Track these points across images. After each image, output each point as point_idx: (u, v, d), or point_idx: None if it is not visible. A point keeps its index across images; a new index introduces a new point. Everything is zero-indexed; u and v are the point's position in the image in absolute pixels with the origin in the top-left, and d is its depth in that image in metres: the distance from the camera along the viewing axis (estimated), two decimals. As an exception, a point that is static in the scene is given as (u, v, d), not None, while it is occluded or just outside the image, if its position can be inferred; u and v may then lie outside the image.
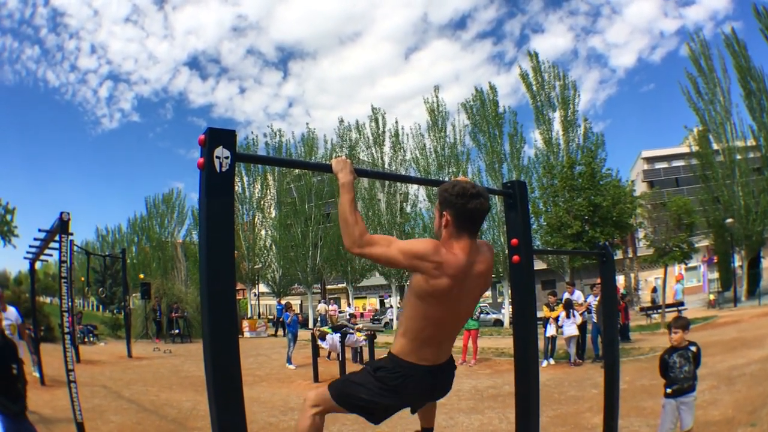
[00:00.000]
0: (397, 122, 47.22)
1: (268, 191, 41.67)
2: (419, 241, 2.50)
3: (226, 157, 2.20)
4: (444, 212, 2.56)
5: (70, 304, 7.71)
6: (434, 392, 2.79)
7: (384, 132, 37.41)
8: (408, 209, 36.43)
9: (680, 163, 45.17)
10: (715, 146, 31.44)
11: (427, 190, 33.49)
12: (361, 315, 41.13)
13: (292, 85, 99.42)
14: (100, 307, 42.98)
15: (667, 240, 24.08)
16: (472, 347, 14.42)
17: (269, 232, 41.40)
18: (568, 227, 24.51)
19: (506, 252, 3.80)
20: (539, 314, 13.46)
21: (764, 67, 29.99)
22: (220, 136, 2.20)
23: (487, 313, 34.40)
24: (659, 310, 23.76)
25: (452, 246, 2.52)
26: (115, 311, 28.57)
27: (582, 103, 46.60)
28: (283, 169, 39.27)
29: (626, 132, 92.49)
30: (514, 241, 3.43)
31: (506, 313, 32.21)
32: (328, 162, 2.76)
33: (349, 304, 35.59)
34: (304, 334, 17.82)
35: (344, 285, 39.91)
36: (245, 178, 40.96)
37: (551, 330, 13.63)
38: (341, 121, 39.23)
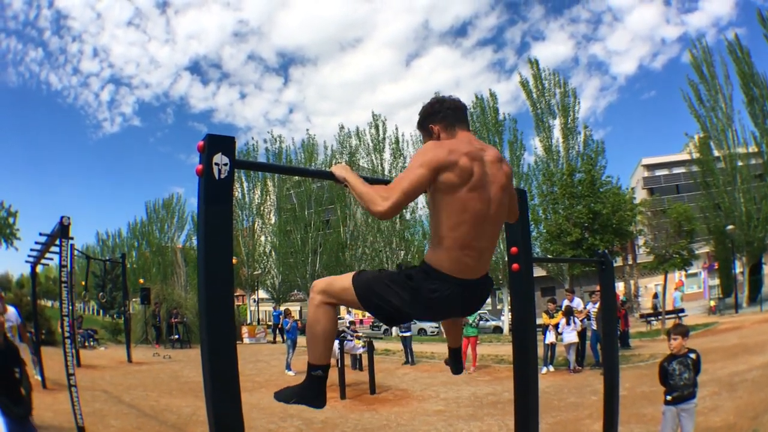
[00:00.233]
0: (397, 129, 47.50)
1: (267, 197, 41.65)
2: (421, 151, 2.46)
3: (225, 164, 2.19)
4: (431, 127, 2.60)
5: (70, 308, 7.72)
6: (466, 309, 2.63)
7: (384, 139, 37.51)
8: (407, 216, 36.45)
9: (681, 170, 45.15)
10: (716, 153, 31.41)
11: (426, 197, 33.50)
12: (361, 322, 41.04)
13: (293, 91, 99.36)
14: (100, 311, 42.83)
15: (667, 247, 24.06)
16: (471, 354, 14.41)
17: (269, 238, 41.37)
18: (568, 235, 24.54)
19: (506, 260, 3.82)
20: (538, 321, 13.46)
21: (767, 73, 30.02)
22: (219, 142, 2.20)
23: (487, 320, 34.37)
24: (659, 317, 23.72)
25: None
26: (115, 316, 28.54)
27: (582, 110, 46.82)
28: (283, 175, 39.23)
29: (627, 139, 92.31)
30: (514, 249, 3.44)
31: (506, 320, 32.16)
32: (328, 169, 2.75)
33: (348, 311, 35.52)
34: (304, 341, 17.79)
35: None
36: (245, 184, 40.94)
37: (551, 337, 13.63)
38: (341, 127, 39.38)
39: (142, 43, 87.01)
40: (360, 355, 13.99)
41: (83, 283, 25.35)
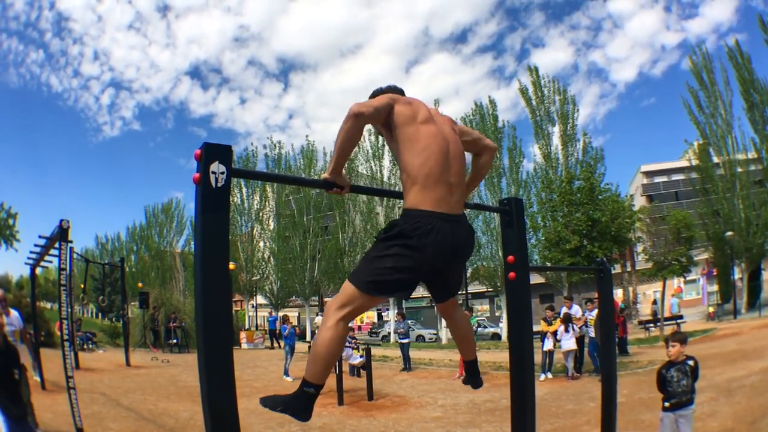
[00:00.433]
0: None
1: (266, 203, 41.61)
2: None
3: (222, 173, 2.19)
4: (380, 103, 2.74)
5: (69, 310, 7.74)
6: (456, 248, 2.66)
7: (383, 145, 37.50)
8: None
9: (680, 176, 45.22)
10: (715, 159, 31.39)
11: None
12: (359, 328, 41.01)
13: (293, 96, 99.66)
14: (99, 314, 42.88)
15: (665, 254, 24.07)
16: (469, 361, 14.38)
17: (267, 244, 41.31)
18: (567, 242, 24.59)
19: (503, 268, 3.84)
20: (536, 328, 13.45)
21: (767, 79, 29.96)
22: (216, 151, 2.20)
23: (485, 327, 34.41)
24: (657, 324, 23.72)
25: None
26: (113, 319, 28.57)
27: (582, 117, 47.04)
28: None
29: (626, 146, 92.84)
30: (511, 258, 3.45)
31: (504, 327, 32.16)
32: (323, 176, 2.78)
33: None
34: (302, 347, 17.79)
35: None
36: (244, 190, 40.88)
37: (549, 344, 13.62)
38: (341, 133, 39.26)
39: (142, 47, 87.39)
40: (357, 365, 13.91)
41: (82, 286, 25.38)
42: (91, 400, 9.94)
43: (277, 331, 29.85)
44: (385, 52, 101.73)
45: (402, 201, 2.70)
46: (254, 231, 41.35)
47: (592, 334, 13.30)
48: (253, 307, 43.48)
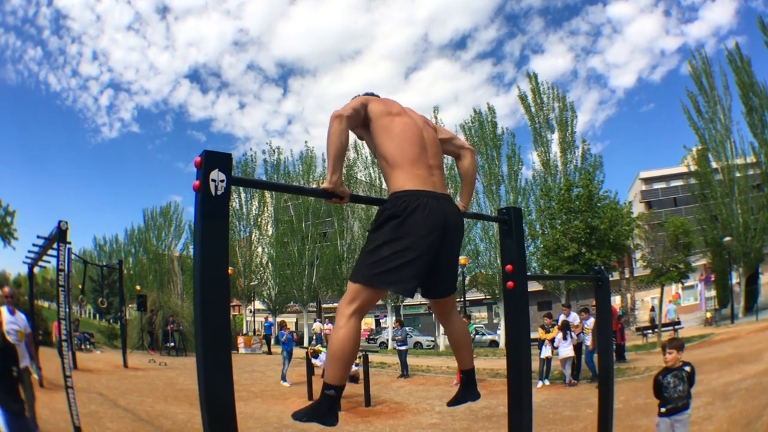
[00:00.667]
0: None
1: (265, 209, 41.64)
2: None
3: (222, 181, 2.19)
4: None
5: (67, 311, 7.75)
6: (446, 222, 2.71)
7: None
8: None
9: (678, 182, 45.30)
10: (714, 165, 31.41)
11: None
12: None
13: (292, 102, 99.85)
14: (97, 315, 42.87)
15: (664, 260, 24.09)
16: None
17: (266, 250, 41.32)
18: (565, 250, 24.61)
19: (501, 276, 3.87)
20: (534, 335, 13.46)
21: (767, 81, 29.97)
22: (216, 159, 2.21)
23: (483, 334, 34.34)
24: (655, 330, 23.72)
25: None
26: (111, 321, 28.62)
27: (581, 124, 47.10)
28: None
29: (625, 153, 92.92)
30: (509, 267, 3.46)
31: (502, 334, 32.13)
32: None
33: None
34: (299, 352, 17.79)
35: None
36: (243, 195, 40.92)
37: (546, 351, 13.62)
38: (340, 139, 39.28)
39: (141, 49, 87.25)
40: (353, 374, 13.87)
41: (80, 286, 25.42)
42: (89, 399, 10.03)
43: (271, 337, 29.98)
44: (384, 58, 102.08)
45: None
46: (253, 236, 41.38)
47: (588, 344, 13.31)
48: (251, 312, 43.47)
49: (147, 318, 24.89)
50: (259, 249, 41.58)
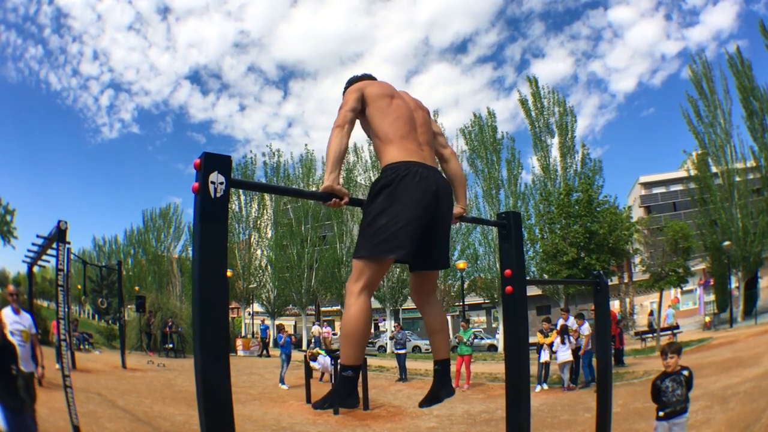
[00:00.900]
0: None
1: (264, 211, 41.63)
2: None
3: (221, 183, 2.20)
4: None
5: (66, 311, 7.75)
6: (437, 190, 2.78)
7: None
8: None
9: (678, 187, 45.31)
10: (714, 169, 31.38)
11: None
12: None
13: (292, 104, 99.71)
14: (96, 316, 42.78)
15: (663, 265, 24.06)
16: (465, 372, 14.41)
17: (265, 252, 41.28)
18: (564, 254, 24.57)
19: (500, 280, 3.87)
20: (533, 340, 13.46)
21: (768, 85, 29.84)
22: (216, 161, 2.21)
23: (482, 338, 34.30)
24: (653, 334, 23.70)
25: None
26: (110, 321, 28.57)
27: (581, 128, 46.91)
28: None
29: (625, 157, 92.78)
30: (508, 272, 3.47)
31: (500, 338, 32.10)
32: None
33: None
34: (298, 355, 17.77)
35: (339, 307, 39.74)
36: (242, 197, 40.90)
37: (545, 356, 13.62)
38: (340, 143, 39.26)
39: (142, 49, 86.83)
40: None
41: (79, 287, 25.39)
42: (87, 399, 10.06)
43: (267, 340, 30.00)
44: (385, 61, 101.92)
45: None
46: (252, 239, 41.34)
47: (583, 349, 13.32)
48: (249, 314, 43.40)
49: (145, 319, 24.91)
50: (259, 252, 41.54)
